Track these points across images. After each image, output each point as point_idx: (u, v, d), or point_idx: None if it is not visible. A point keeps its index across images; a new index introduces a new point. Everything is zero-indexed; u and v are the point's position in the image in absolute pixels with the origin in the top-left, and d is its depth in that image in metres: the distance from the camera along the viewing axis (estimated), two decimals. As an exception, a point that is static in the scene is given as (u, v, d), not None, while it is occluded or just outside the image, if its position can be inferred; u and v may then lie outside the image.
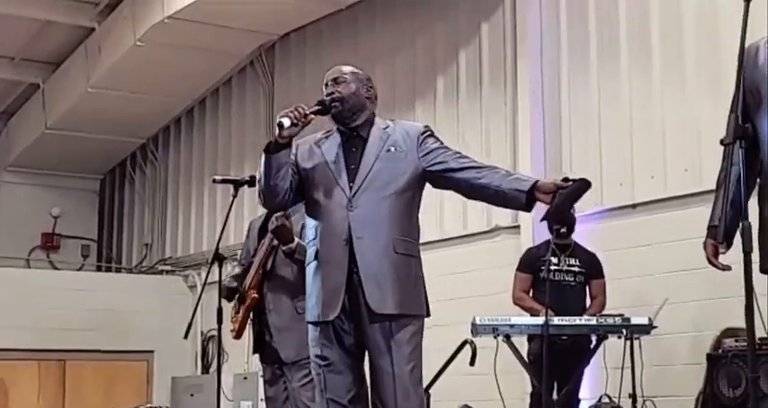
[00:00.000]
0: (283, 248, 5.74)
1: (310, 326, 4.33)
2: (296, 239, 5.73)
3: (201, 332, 12.58)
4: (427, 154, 4.32)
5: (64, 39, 12.81)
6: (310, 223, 4.38)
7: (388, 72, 10.54)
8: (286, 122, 4.20)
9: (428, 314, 4.35)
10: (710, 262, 4.11)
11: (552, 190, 4.04)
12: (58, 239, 14.87)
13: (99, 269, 15.01)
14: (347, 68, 4.48)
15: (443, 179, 4.31)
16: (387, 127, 4.42)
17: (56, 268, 14.54)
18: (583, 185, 3.95)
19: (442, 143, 4.38)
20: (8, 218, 14.49)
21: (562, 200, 3.94)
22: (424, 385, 7.34)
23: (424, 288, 4.34)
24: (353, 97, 4.38)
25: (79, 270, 14.64)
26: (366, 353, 4.28)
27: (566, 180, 4.02)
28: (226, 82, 13.04)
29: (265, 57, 12.31)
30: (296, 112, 4.22)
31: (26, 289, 12.59)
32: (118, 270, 14.84)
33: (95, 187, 15.46)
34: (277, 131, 4.22)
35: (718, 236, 3.82)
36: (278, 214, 5.70)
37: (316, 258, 4.32)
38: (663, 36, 8.24)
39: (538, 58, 9.05)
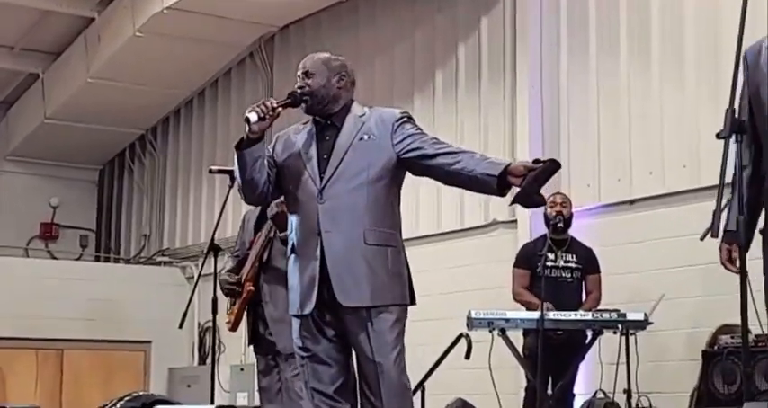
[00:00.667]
0: (281, 235, 5.73)
1: (293, 319, 4.33)
2: None
3: (198, 324, 12.59)
4: (402, 141, 4.25)
5: (64, 29, 12.78)
6: (289, 215, 4.39)
7: (387, 65, 10.53)
8: (253, 117, 4.18)
9: (412, 303, 4.30)
10: (725, 266, 4.08)
11: (522, 172, 3.95)
12: (57, 229, 14.85)
13: (97, 259, 15.00)
14: (318, 58, 4.44)
15: (418, 165, 4.24)
16: (362, 114, 4.36)
17: (54, 257, 14.52)
18: (551, 166, 3.90)
19: (418, 128, 4.31)
20: (7, 208, 14.47)
21: (530, 182, 3.90)
22: (420, 379, 7.43)
23: (407, 276, 4.29)
24: (323, 90, 4.33)
25: (77, 260, 14.63)
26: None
27: (536, 161, 3.99)
28: (225, 73, 13.02)
29: (265, 48, 12.30)
30: (263, 106, 4.20)
31: (24, 279, 12.59)
32: (116, 261, 14.83)
33: (94, 177, 15.44)
34: (246, 127, 4.21)
35: (740, 241, 3.75)
36: (277, 201, 5.70)
37: (293, 251, 4.32)
38: (662, 32, 8.24)
39: (537, 53, 9.04)
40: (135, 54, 11.91)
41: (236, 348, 11.24)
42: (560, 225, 7.37)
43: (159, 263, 13.91)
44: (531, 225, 8.62)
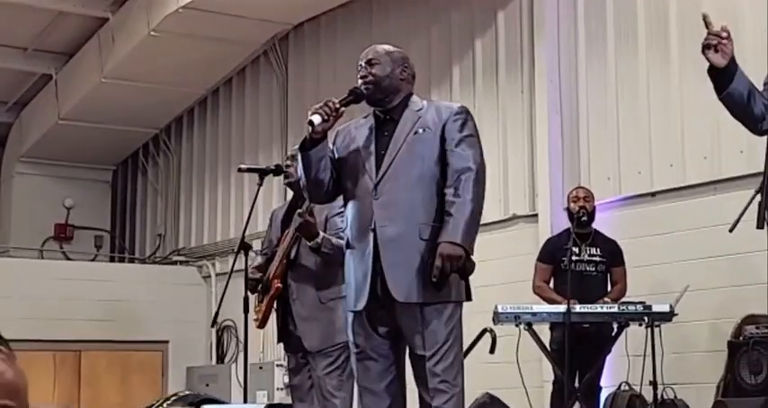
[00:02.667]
0: (309, 244, 5.73)
1: (348, 313, 4.33)
2: (321, 233, 5.72)
3: (216, 322, 12.58)
4: (447, 141, 4.26)
5: (77, 30, 12.79)
6: (346, 210, 4.39)
7: (403, 61, 10.50)
8: (316, 120, 4.20)
9: (468, 299, 4.30)
10: None
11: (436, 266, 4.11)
12: (72, 230, 14.86)
13: (112, 259, 15.01)
14: (382, 48, 4.44)
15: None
16: (420, 108, 4.36)
17: (69, 258, 14.53)
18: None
19: (468, 133, 4.29)
20: (22, 209, 14.49)
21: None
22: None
23: None
24: (387, 79, 4.34)
25: (92, 260, 14.65)
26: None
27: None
28: (239, 71, 13.02)
29: (279, 46, 12.29)
30: (326, 108, 4.20)
31: (40, 280, 12.60)
32: (131, 261, 14.85)
33: (108, 178, 15.45)
34: (309, 128, 4.21)
35: None
36: (300, 210, 5.71)
37: (348, 247, 4.33)
38: (681, 22, 8.22)
39: (555, 46, 9.02)
40: (149, 53, 11.92)
41: (255, 346, 11.22)
42: (584, 218, 7.37)
43: (175, 263, 13.92)
44: (551, 219, 8.62)
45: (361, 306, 4.23)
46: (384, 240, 4.17)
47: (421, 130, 4.27)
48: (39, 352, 12.57)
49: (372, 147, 4.31)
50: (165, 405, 5.90)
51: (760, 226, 3.68)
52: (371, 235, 4.20)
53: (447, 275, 4.09)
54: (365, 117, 4.45)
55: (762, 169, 4.21)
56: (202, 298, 13.28)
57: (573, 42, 9.01)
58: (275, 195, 11.74)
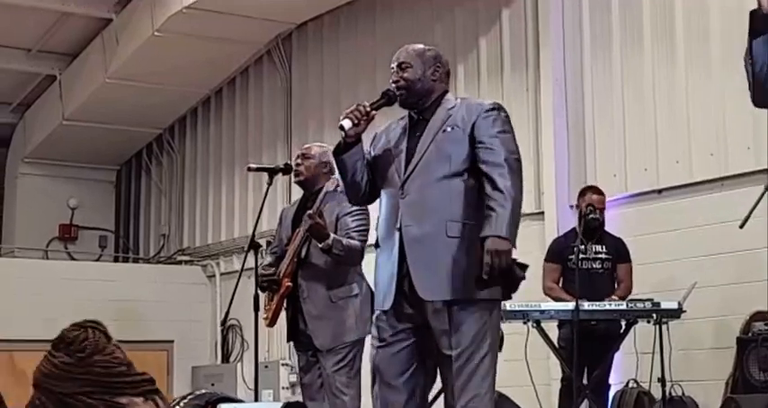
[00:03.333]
0: (320, 245, 5.74)
1: (376, 311, 4.34)
2: (331, 234, 5.73)
3: (221, 321, 12.59)
4: (477, 136, 4.22)
5: (81, 31, 12.79)
6: (379, 210, 4.40)
7: (408, 60, 10.49)
8: (347, 124, 4.22)
9: (506, 297, 4.26)
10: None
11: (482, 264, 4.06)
12: (76, 230, 14.86)
13: (117, 259, 15.01)
14: (413, 50, 4.41)
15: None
16: (452, 106, 4.33)
17: (74, 259, 14.54)
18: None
19: (500, 130, 4.26)
20: (26, 210, 14.50)
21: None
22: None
23: None
24: (419, 83, 4.32)
25: (97, 260, 14.65)
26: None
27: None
28: (243, 71, 13.02)
29: (282, 46, 12.29)
30: (357, 112, 4.22)
31: (44, 280, 12.61)
32: (135, 261, 14.85)
33: (112, 178, 15.45)
34: (342, 133, 4.23)
35: None
36: (309, 212, 5.72)
37: (376, 246, 4.34)
38: (687, 19, 8.22)
39: (560, 44, 9.02)
40: (153, 54, 11.92)
41: (261, 345, 11.18)
42: (597, 222, 7.36)
43: (179, 263, 13.92)
44: (558, 217, 8.63)
45: (387, 305, 4.22)
46: (409, 239, 4.16)
47: (449, 129, 4.25)
48: (42, 353, 12.55)
49: (403, 147, 4.31)
50: (182, 404, 5.91)
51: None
52: (398, 234, 4.20)
53: (498, 270, 4.03)
54: (402, 118, 4.45)
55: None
56: (207, 298, 13.28)
57: (578, 40, 9.01)
58: (279, 194, 11.74)
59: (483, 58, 9.87)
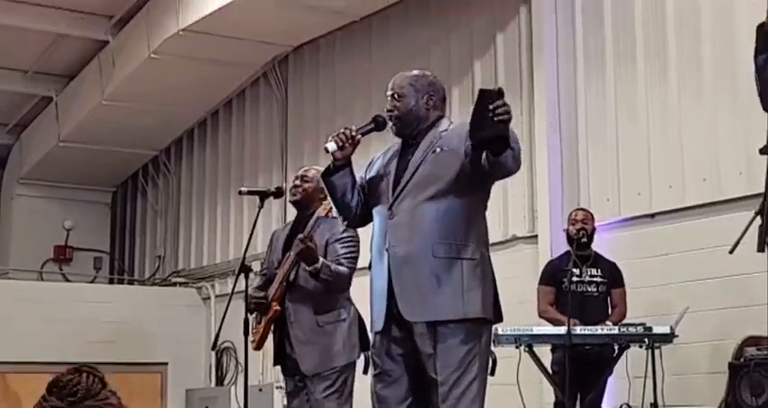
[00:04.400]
0: (308, 269, 5.74)
1: (373, 334, 4.33)
2: (320, 259, 5.72)
3: (215, 344, 12.56)
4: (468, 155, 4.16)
5: (77, 53, 12.85)
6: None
7: (403, 83, 10.51)
8: (331, 147, 4.22)
9: (497, 320, 4.21)
10: None
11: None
12: (71, 251, 14.88)
13: (111, 281, 15.02)
14: (406, 79, 4.39)
15: (473, 154, 4.10)
16: (445, 129, 4.31)
17: (68, 280, 14.54)
18: (480, 94, 3.90)
19: None
20: (21, 231, 14.52)
21: (473, 115, 3.90)
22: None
23: (488, 291, 4.17)
24: (411, 113, 4.31)
25: (92, 282, 14.65)
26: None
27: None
28: (239, 93, 13.05)
29: (279, 68, 12.33)
30: (342, 136, 4.22)
31: (39, 302, 12.58)
32: (130, 283, 14.85)
33: (108, 199, 15.48)
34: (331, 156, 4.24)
35: None
36: (300, 235, 5.72)
37: (370, 267, 4.34)
38: (680, 45, 8.25)
39: (554, 69, 9.04)
40: (149, 75, 11.96)
41: (255, 368, 11.21)
42: (584, 240, 7.37)
43: (174, 284, 13.90)
44: (551, 240, 8.62)
45: (378, 327, 4.21)
46: (395, 261, 4.15)
47: (439, 149, 4.23)
48: (36, 374, 12.53)
49: (392, 168, 4.31)
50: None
51: (761, 249, 3.65)
52: (386, 255, 4.19)
53: (501, 119, 3.82)
54: (394, 143, 4.46)
55: (762, 190, 4.20)
56: (202, 320, 13.26)
57: (572, 64, 9.03)
58: (274, 217, 11.75)
59: (478, 82, 9.88)
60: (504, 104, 3.82)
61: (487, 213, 9.53)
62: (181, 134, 14.04)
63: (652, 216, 8.28)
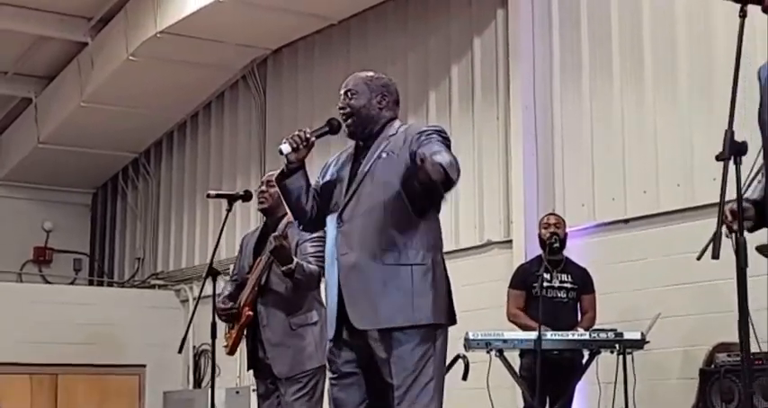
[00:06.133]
0: (283, 269, 5.73)
1: (327, 340, 4.33)
2: (295, 259, 5.72)
3: (193, 347, 12.57)
4: (413, 149, 4.12)
5: (57, 54, 12.81)
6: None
7: (381, 87, 10.51)
8: (285, 149, 4.18)
9: (450, 323, 4.18)
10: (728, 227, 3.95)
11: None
12: (51, 253, 14.84)
13: (91, 283, 14.99)
14: (360, 78, 4.37)
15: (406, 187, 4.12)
16: (393, 133, 4.28)
17: (48, 282, 14.51)
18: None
19: (441, 140, 4.14)
20: (0, 232, 14.46)
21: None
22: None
23: (441, 295, 4.14)
24: (364, 110, 4.28)
25: (71, 284, 14.62)
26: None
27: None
28: (218, 96, 13.04)
29: (257, 71, 12.33)
30: (296, 138, 4.18)
31: (18, 303, 12.57)
32: (110, 285, 14.82)
33: (88, 201, 15.44)
34: (283, 158, 4.21)
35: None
36: (275, 234, 5.70)
37: (324, 275, 4.35)
38: (655, 52, 8.27)
39: (530, 73, 9.05)
40: (128, 78, 11.94)
41: (232, 371, 11.20)
42: (556, 245, 7.37)
43: (153, 286, 13.89)
44: (526, 245, 8.63)
45: (331, 334, 4.22)
46: (344, 268, 4.13)
47: (385, 155, 4.21)
48: (15, 376, 12.52)
49: (345, 175, 4.29)
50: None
51: (716, 256, 3.64)
52: (336, 263, 4.19)
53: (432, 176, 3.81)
54: (348, 146, 4.42)
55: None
56: (180, 322, 13.20)
57: (548, 69, 9.05)
58: (252, 220, 11.74)
59: (455, 86, 9.91)
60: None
61: (463, 217, 9.60)
62: (161, 136, 14.01)
63: (626, 221, 8.30)
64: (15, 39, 12.26)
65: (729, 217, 3.78)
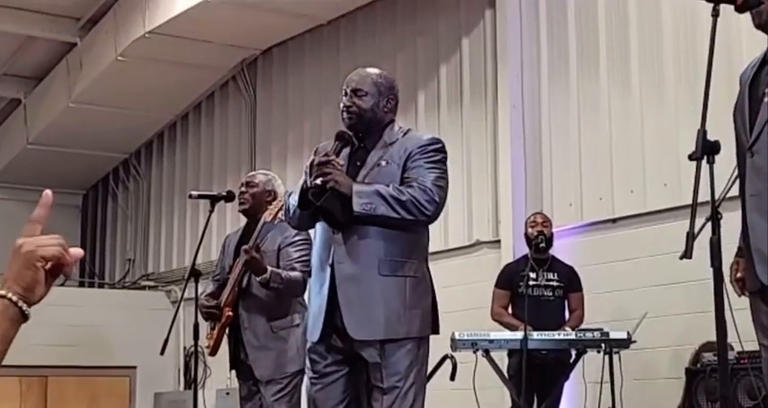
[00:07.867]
0: (258, 279, 5.70)
1: (308, 342, 4.33)
2: (269, 268, 5.68)
3: (184, 348, 12.55)
4: (405, 171, 4.15)
5: (45, 55, 12.78)
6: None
7: (370, 87, 10.51)
8: (318, 182, 4.13)
9: (434, 332, 4.26)
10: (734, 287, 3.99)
11: None
12: (41, 255, 14.77)
13: (81, 284, 14.93)
14: (370, 77, 4.30)
15: None
16: (394, 140, 4.25)
17: (38, 283, 14.44)
18: None
19: (432, 163, 4.17)
20: (-10, 234, 14.42)
21: None
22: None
23: (428, 307, 4.21)
24: (370, 112, 4.24)
25: (62, 285, 14.35)
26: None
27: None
28: (208, 96, 13.03)
29: (247, 71, 12.31)
30: (328, 167, 4.11)
31: (8, 305, 12.51)
32: (101, 286, 14.78)
33: (78, 202, 15.41)
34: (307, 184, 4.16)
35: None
36: (245, 246, 5.68)
37: (310, 276, 4.35)
38: (642, 51, 8.27)
39: (518, 73, 9.06)
40: (117, 78, 11.92)
41: (222, 372, 11.16)
42: (542, 244, 7.37)
43: (144, 288, 13.86)
44: (514, 245, 8.62)
45: (315, 337, 4.21)
46: (341, 277, 4.12)
47: (384, 163, 4.19)
48: (5, 377, 12.48)
49: None
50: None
51: (688, 256, 3.63)
52: (329, 270, 4.15)
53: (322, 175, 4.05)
54: (336, 143, 4.38)
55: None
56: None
57: (536, 69, 9.05)
58: (243, 221, 11.68)
59: (443, 86, 9.90)
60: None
61: (452, 217, 9.59)
62: (151, 137, 13.99)
63: (614, 220, 8.30)
64: (4, 39, 12.23)
65: (738, 289, 3.85)
